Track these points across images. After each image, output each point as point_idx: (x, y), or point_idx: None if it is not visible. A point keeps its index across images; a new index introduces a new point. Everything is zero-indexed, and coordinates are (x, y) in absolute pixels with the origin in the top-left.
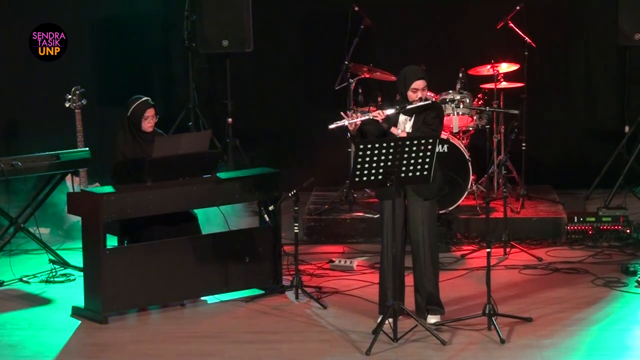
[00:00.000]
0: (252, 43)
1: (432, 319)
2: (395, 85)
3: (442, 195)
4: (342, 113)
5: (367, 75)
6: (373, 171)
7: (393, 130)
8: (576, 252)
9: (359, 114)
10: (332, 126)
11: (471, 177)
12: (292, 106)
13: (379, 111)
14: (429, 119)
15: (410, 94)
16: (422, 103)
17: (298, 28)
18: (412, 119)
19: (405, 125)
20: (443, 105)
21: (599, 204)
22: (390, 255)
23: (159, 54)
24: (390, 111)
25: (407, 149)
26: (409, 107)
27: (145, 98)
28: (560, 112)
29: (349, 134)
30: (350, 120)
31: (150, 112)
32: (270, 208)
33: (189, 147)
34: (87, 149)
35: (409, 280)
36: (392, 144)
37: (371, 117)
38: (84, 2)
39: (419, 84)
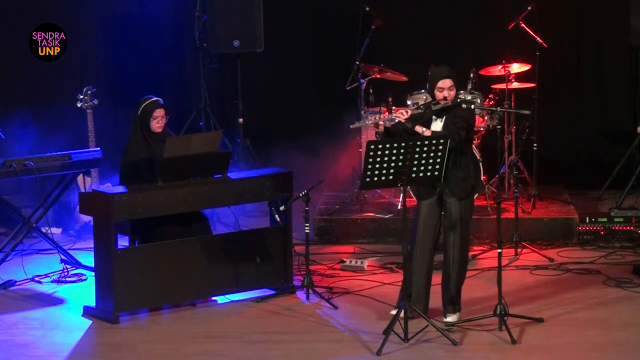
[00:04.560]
0: (263, 43)
1: (449, 318)
2: (405, 85)
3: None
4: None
5: (378, 76)
6: (384, 171)
7: (417, 128)
8: (588, 252)
9: (379, 115)
10: (353, 126)
11: (482, 178)
12: (303, 106)
13: (402, 110)
14: (456, 118)
15: (436, 93)
16: (442, 104)
17: (309, 28)
18: (444, 118)
19: (434, 125)
20: None
21: (610, 205)
22: (425, 253)
23: (170, 54)
24: (415, 111)
25: (417, 149)
26: (434, 107)
27: (155, 98)
28: (572, 112)
29: (376, 134)
30: (372, 121)
31: (159, 113)
32: (281, 208)
33: (200, 147)
34: (99, 148)
35: (437, 279)
36: (402, 144)
37: (394, 117)
38: (96, 2)
39: (444, 82)
